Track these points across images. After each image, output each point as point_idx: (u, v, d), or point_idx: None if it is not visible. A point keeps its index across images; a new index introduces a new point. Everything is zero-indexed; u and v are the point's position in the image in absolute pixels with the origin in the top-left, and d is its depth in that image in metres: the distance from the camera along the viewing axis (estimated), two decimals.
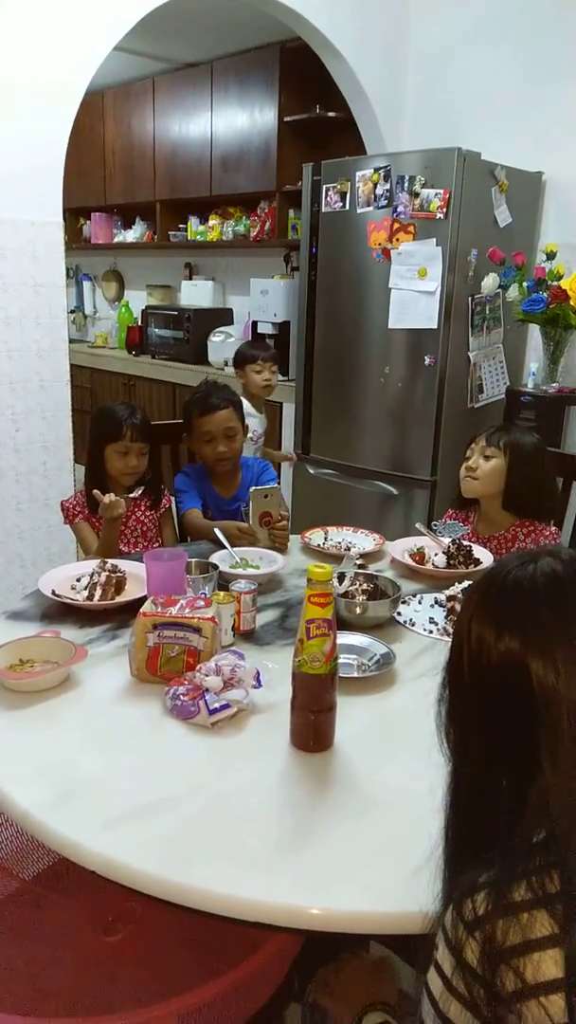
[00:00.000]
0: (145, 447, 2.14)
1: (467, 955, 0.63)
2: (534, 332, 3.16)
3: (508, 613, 0.70)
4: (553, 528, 2.04)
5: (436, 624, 1.59)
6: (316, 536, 2.08)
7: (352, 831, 1.01)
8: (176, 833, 0.99)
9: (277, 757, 1.16)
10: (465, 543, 1.88)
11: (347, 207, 3.14)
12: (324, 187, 3.20)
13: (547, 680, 0.65)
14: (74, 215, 5.69)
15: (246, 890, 0.90)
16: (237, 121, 4.28)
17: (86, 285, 5.98)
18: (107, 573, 1.61)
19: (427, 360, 3.00)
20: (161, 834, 0.99)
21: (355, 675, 1.38)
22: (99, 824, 1.00)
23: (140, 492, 2.17)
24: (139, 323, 5.13)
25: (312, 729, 1.16)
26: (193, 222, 4.85)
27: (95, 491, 1.99)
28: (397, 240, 2.99)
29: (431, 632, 1.56)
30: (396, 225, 2.98)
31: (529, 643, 0.67)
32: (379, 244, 3.06)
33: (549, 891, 0.62)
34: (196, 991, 0.93)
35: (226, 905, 0.89)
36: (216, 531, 1.94)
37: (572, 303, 2.73)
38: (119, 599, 1.60)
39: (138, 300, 5.45)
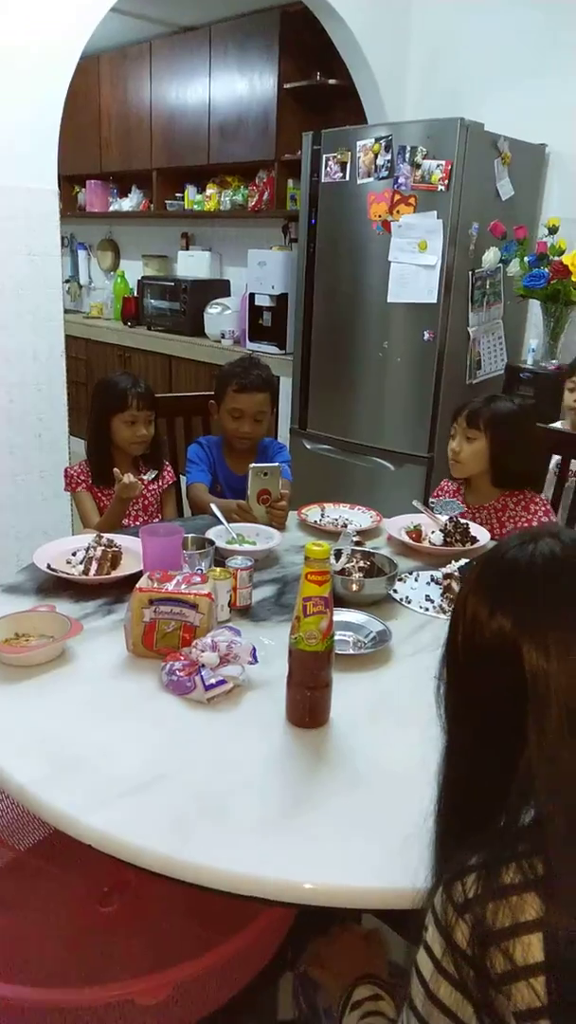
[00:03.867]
0: (151, 415, 2.15)
1: (457, 937, 0.64)
2: (534, 308, 3.14)
3: (503, 592, 0.70)
4: (541, 497, 2.04)
5: (432, 602, 1.59)
6: (313, 512, 2.08)
7: (346, 807, 1.02)
8: (171, 808, 0.99)
9: (272, 733, 1.16)
10: (462, 521, 1.87)
11: (347, 177, 3.09)
12: (324, 157, 3.15)
13: (537, 661, 0.65)
14: (69, 182, 5.59)
15: (240, 865, 0.91)
16: (236, 87, 4.20)
17: (81, 255, 5.90)
18: (103, 548, 1.61)
19: (426, 335, 2.97)
20: (156, 809, 0.99)
21: (351, 652, 1.39)
22: (94, 798, 1.00)
23: (153, 476, 2.17)
24: (135, 294, 5.07)
25: (308, 705, 1.17)
26: (190, 191, 4.78)
27: (115, 470, 1.99)
28: (397, 212, 2.95)
29: (427, 610, 1.56)
30: (397, 197, 2.94)
31: (521, 623, 0.67)
32: (379, 216, 3.02)
33: (539, 874, 0.63)
34: (191, 962, 0.94)
35: (220, 880, 0.90)
36: (213, 507, 1.93)
37: (573, 279, 2.70)
38: (115, 574, 1.59)
39: (134, 270, 5.39)
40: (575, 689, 0.64)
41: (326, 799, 1.03)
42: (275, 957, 1.10)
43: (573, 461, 2.22)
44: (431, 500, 2.08)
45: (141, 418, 2.12)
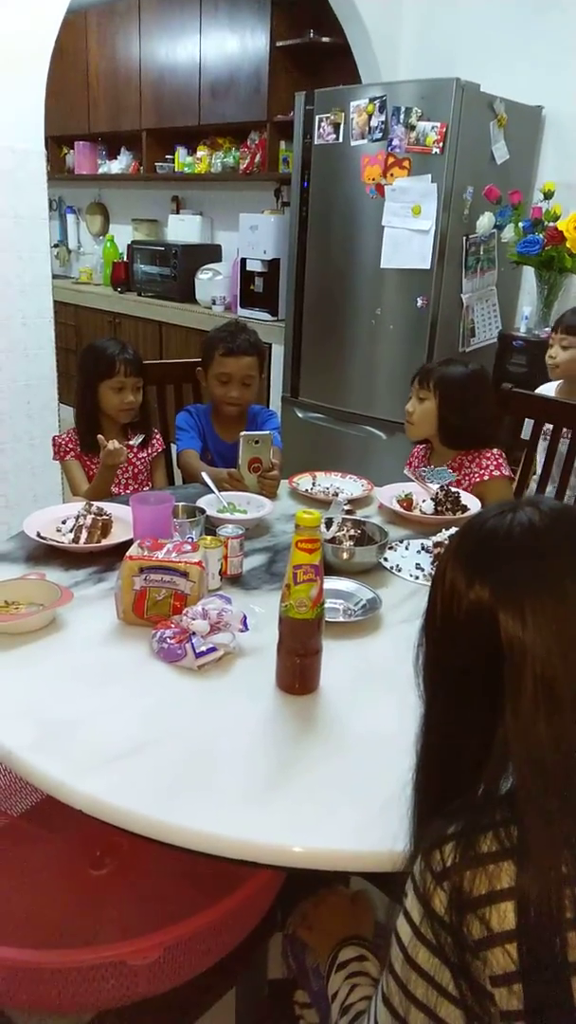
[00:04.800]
0: (139, 382, 2.13)
1: (435, 904, 0.65)
2: (528, 275, 3.11)
3: (481, 562, 0.70)
4: (495, 451, 2.05)
5: (422, 570, 1.59)
6: (304, 481, 2.07)
7: (335, 772, 1.03)
8: (162, 773, 1.00)
9: (263, 699, 1.17)
10: (453, 490, 1.87)
11: (340, 139, 3.04)
12: (317, 118, 3.09)
13: (514, 631, 0.65)
14: (56, 143, 5.48)
15: (230, 829, 0.92)
16: (227, 45, 4.09)
17: (70, 218, 5.80)
18: (93, 516, 1.60)
19: (419, 302, 2.94)
20: (147, 774, 1.00)
21: (341, 620, 1.39)
22: (85, 764, 1.01)
23: (140, 440, 2.15)
24: (124, 259, 4.99)
25: (298, 672, 1.17)
26: (180, 153, 4.69)
27: (99, 436, 1.97)
28: (391, 175, 2.90)
29: (417, 578, 1.57)
30: (391, 159, 2.89)
31: (499, 593, 0.67)
32: (373, 179, 2.97)
33: (515, 842, 0.64)
34: (181, 924, 0.95)
35: (211, 844, 0.91)
36: (204, 475, 1.92)
37: (568, 245, 2.67)
38: (105, 542, 1.59)
39: (123, 234, 5.30)
40: (551, 659, 0.64)
41: (315, 764, 1.04)
42: (264, 919, 1.12)
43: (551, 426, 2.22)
44: (422, 469, 2.08)
45: (129, 385, 2.09)
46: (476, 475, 2.01)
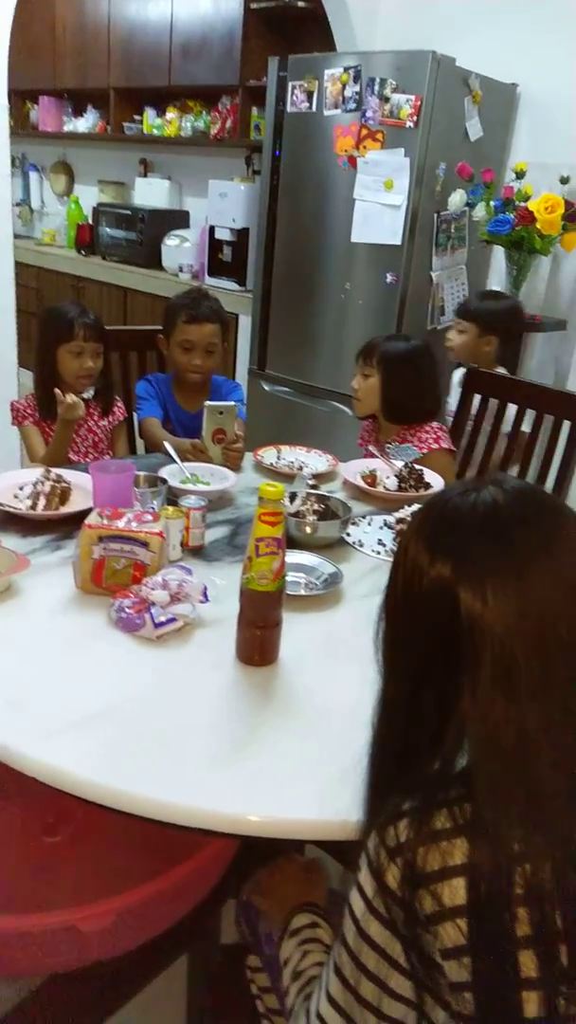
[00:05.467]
0: (100, 347, 2.07)
1: (388, 879, 0.66)
2: (498, 255, 3.11)
3: (443, 539, 0.70)
4: (435, 424, 2.09)
5: (384, 546, 1.60)
6: (269, 454, 2.06)
7: (293, 741, 1.03)
8: (119, 742, 1.00)
9: (221, 670, 1.17)
10: (417, 467, 1.88)
11: (313, 108, 2.99)
12: (290, 85, 3.03)
13: (474, 609, 0.65)
14: (20, 98, 5.30)
15: (186, 798, 0.92)
16: (200, 4, 3.99)
17: (33, 176, 5.63)
18: (51, 483, 1.57)
19: (389, 278, 2.93)
20: (104, 743, 0.99)
21: (303, 593, 1.39)
22: (41, 732, 1.00)
23: (92, 393, 2.09)
24: (89, 221, 4.87)
25: (258, 644, 1.17)
26: (149, 114, 4.57)
27: (56, 390, 1.92)
28: (364, 148, 2.87)
29: (379, 553, 1.57)
30: (364, 131, 2.86)
31: (460, 571, 0.67)
32: (345, 151, 2.93)
33: (468, 819, 0.65)
34: (134, 890, 0.95)
35: (166, 812, 0.91)
36: (166, 445, 1.90)
37: (538, 226, 2.68)
38: (64, 510, 1.56)
39: (89, 196, 5.17)
40: (510, 638, 0.64)
41: (272, 735, 1.04)
42: (219, 885, 1.13)
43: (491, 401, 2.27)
44: (388, 446, 2.08)
45: (88, 349, 2.03)
46: (415, 448, 2.05)
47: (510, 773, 0.64)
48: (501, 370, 2.56)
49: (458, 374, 2.59)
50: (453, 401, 2.47)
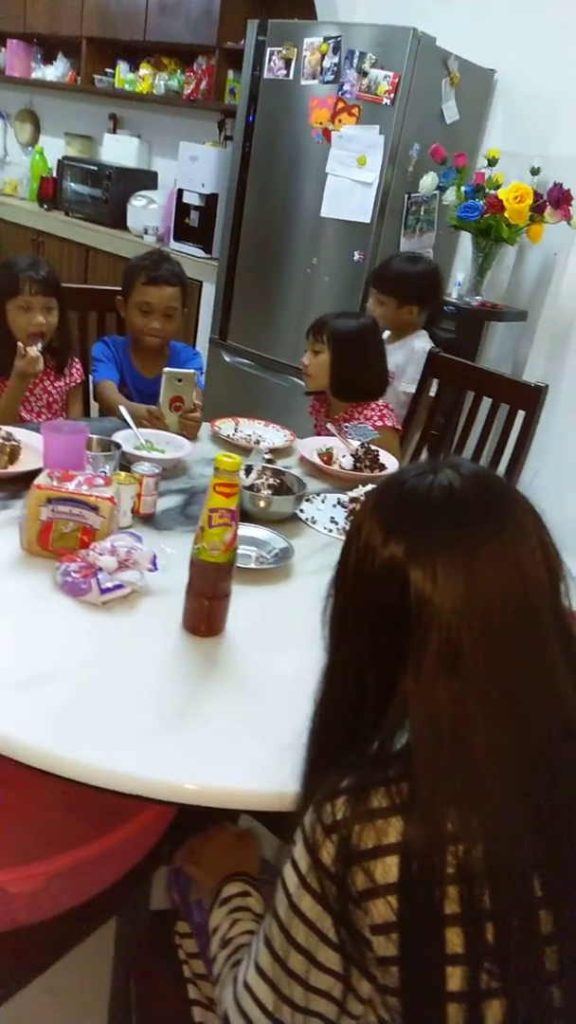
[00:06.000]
0: (51, 302, 1.98)
1: (323, 855, 0.66)
2: (465, 241, 3.12)
3: (397, 520, 0.70)
4: (381, 403, 2.12)
5: (336, 524, 1.60)
6: (226, 426, 2.04)
7: (234, 712, 1.04)
8: (59, 706, 0.99)
9: (167, 639, 1.16)
10: (373, 448, 1.89)
11: (291, 76, 2.94)
12: (268, 50, 2.97)
13: (424, 590, 0.66)
14: None
15: (124, 763, 0.91)
16: None
17: None
18: (1, 440, 1.53)
19: (356, 256, 2.92)
20: (43, 707, 0.98)
21: (253, 566, 1.39)
22: None
23: (40, 347, 2.01)
24: (54, 174, 4.72)
25: (205, 614, 1.17)
26: (122, 68, 4.43)
27: (19, 343, 1.86)
28: (339, 121, 2.84)
29: (331, 531, 1.58)
30: (340, 105, 2.82)
31: (412, 552, 0.67)
32: (320, 123, 2.90)
33: (405, 799, 0.65)
34: (66, 854, 0.94)
35: (104, 778, 0.91)
36: (122, 409, 1.87)
37: (507, 215, 2.69)
38: (12, 469, 1.53)
39: (55, 148, 5.01)
40: (457, 621, 0.65)
41: (214, 705, 1.05)
42: (152, 852, 1.13)
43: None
44: (345, 425, 2.09)
45: (36, 304, 1.95)
46: (358, 423, 2.06)
47: (448, 754, 0.65)
48: (423, 335, 2.52)
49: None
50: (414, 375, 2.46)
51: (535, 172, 2.79)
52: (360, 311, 2.59)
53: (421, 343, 2.48)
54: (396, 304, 2.43)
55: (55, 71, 4.85)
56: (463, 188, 2.80)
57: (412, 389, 2.44)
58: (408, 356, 2.49)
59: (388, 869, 0.64)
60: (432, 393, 2.41)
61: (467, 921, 0.63)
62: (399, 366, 2.47)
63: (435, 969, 0.64)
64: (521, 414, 2.19)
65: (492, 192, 2.74)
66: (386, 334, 2.39)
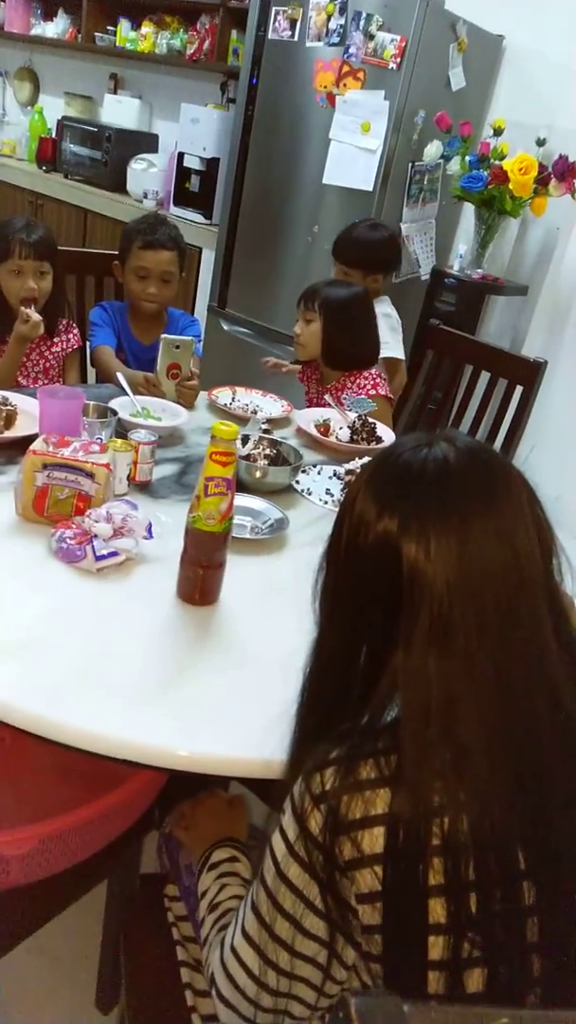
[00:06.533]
0: (44, 266, 1.95)
1: (311, 824, 0.67)
2: (468, 213, 3.08)
3: (391, 494, 0.69)
4: (373, 371, 2.10)
5: (332, 496, 1.60)
6: (224, 395, 2.03)
7: (226, 681, 1.04)
8: (51, 671, 0.99)
9: (160, 607, 1.16)
10: (370, 420, 1.88)
11: (296, 37, 2.88)
12: (273, 9, 2.90)
13: (416, 563, 0.65)
14: None
15: (117, 729, 0.92)
16: None
17: None
18: None
19: None
20: (35, 671, 0.98)
21: (248, 536, 1.39)
22: None
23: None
24: (53, 135, 4.63)
25: (199, 583, 1.17)
26: (124, 26, 4.32)
27: (22, 308, 1.84)
28: (344, 86, 2.78)
29: (326, 503, 1.58)
30: (345, 68, 2.77)
31: (406, 526, 0.67)
32: (324, 87, 2.84)
33: (394, 771, 0.66)
34: (58, 817, 0.96)
35: (96, 743, 0.91)
36: (119, 376, 1.85)
37: (511, 187, 2.65)
38: (8, 434, 1.52)
39: (54, 108, 4.90)
40: (449, 596, 0.65)
41: (207, 672, 1.05)
42: (143, 816, 1.15)
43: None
44: (343, 396, 2.07)
45: (28, 268, 1.91)
46: (353, 393, 2.06)
47: (436, 728, 0.65)
48: (386, 301, 2.47)
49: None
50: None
51: (541, 143, 2.75)
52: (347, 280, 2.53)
53: (387, 309, 2.44)
54: (362, 275, 2.37)
55: (55, 28, 4.74)
56: (467, 158, 2.76)
57: (396, 354, 2.41)
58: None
59: (375, 839, 0.65)
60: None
61: (450, 892, 0.64)
62: None
63: (418, 938, 0.65)
64: (519, 389, 2.18)
65: (497, 163, 2.70)
66: None
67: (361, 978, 0.71)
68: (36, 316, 1.84)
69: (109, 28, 4.41)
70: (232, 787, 1.32)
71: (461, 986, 0.65)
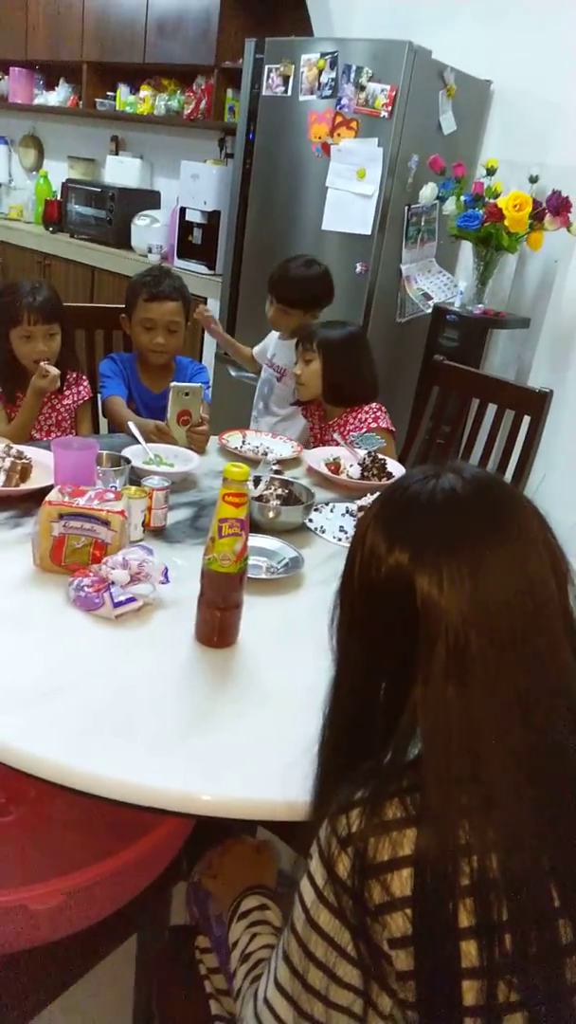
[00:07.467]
0: (53, 328, 1.99)
1: (339, 869, 0.66)
2: (466, 250, 3.13)
3: (402, 527, 0.69)
4: (374, 404, 2.14)
5: (345, 532, 1.61)
6: (234, 439, 2.05)
7: (247, 723, 1.04)
8: (73, 720, 0.99)
9: (180, 651, 1.16)
10: (380, 456, 1.89)
11: (289, 93, 2.97)
12: (266, 68, 3.00)
13: (430, 597, 0.65)
14: None
15: (140, 776, 0.91)
16: None
17: (1, 149, 5.49)
18: (12, 459, 1.54)
19: (358, 268, 2.93)
20: (57, 720, 0.98)
21: (263, 576, 1.39)
22: None
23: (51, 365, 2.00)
24: (58, 197, 4.78)
25: (217, 625, 1.17)
26: (123, 91, 4.49)
27: (42, 363, 1.91)
28: (338, 135, 2.86)
29: (340, 540, 1.58)
30: (339, 119, 2.85)
31: (418, 559, 0.66)
32: (319, 138, 2.92)
33: (420, 810, 0.64)
34: (84, 870, 0.95)
35: (120, 791, 0.91)
36: (131, 425, 1.88)
37: (506, 223, 2.70)
38: (24, 486, 1.54)
39: (58, 172, 5.07)
40: (465, 627, 0.64)
41: (228, 715, 1.04)
42: (170, 867, 1.13)
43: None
44: (351, 435, 2.09)
45: (38, 333, 1.96)
46: (355, 427, 2.09)
47: (459, 763, 0.64)
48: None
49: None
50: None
51: (533, 180, 2.80)
52: (343, 320, 2.56)
53: None
54: (302, 313, 2.41)
55: (57, 96, 4.93)
56: (463, 198, 2.82)
57: None
58: None
59: (404, 882, 0.63)
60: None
61: (483, 934, 0.62)
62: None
63: (451, 983, 0.63)
64: (527, 420, 2.19)
65: (491, 201, 2.75)
66: (277, 335, 2.48)
67: None
68: (54, 370, 1.90)
69: (109, 94, 4.58)
70: (259, 832, 1.31)
71: None
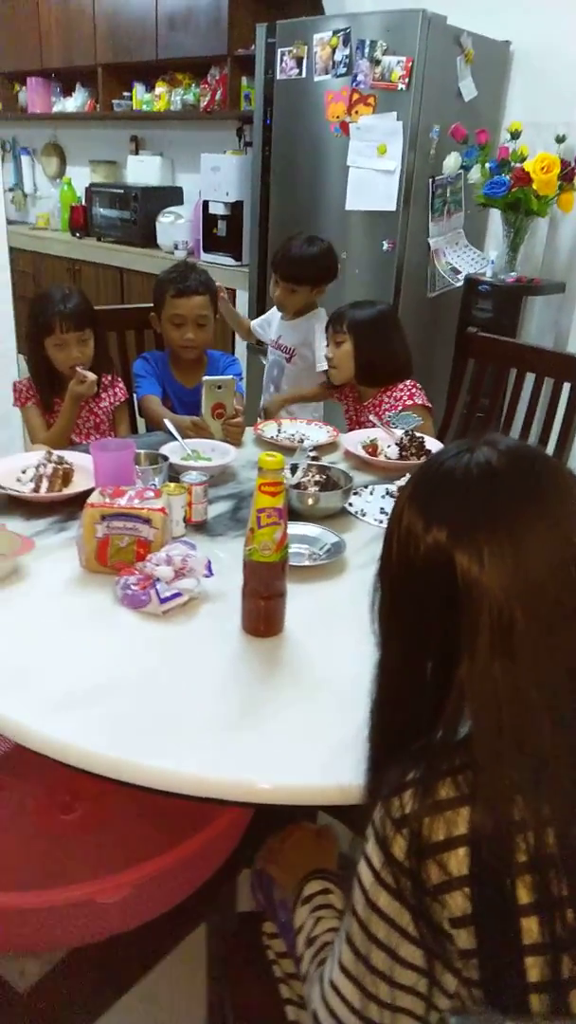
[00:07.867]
0: (85, 334, 2.02)
1: (395, 850, 0.66)
2: (495, 218, 3.07)
3: (438, 504, 0.68)
4: (408, 382, 2.12)
5: (386, 514, 1.59)
6: (269, 428, 2.05)
7: (300, 710, 1.04)
8: (127, 715, 1.00)
9: (228, 642, 1.17)
10: (418, 435, 1.87)
11: (303, 74, 2.94)
12: (279, 51, 2.98)
13: (471, 573, 0.64)
14: (7, 80, 5.24)
15: (198, 767, 0.92)
16: None
17: (24, 160, 5.57)
18: (53, 465, 1.57)
19: (385, 246, 2.90)
20: (112, 716, 1.00)
21: (306, 563, 1.39)
22: (49, 707, 1.00)
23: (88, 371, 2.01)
24: (83, 202, 4.83)
25: (263, 615, 1.17)
26: (138, 89, 4.50)
27: (78, 368, 1.94)
28: (356, 113, 2.83)
29: (381, 522, 1.57)
30: (355, 96, 2.81)
31: (456, 536, 0.65)
32: (337, 117, 2.89)
33: (472, 788, 0.64)
34: (150, 862, 0.96)
35: (177, 782, 0.92)
36: (167, 422, 1.89)
37: (535, 187, 2.63)
38: (66, 491, 1.56)
39: (81, 177, 5.12)
40: (507, 601, 0.63)
41: (280, 703, 1.05)
42: (233, 855, 1.14)
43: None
44: (388, 415, 2.07)
45: (71, 340, 1.98)
46: (390, 406, 2.07)
47: (510, 739, 0.63)
48: (322, 311, 2.44)
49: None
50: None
51: (560, 140, 2.73)
52: (372, 300, 2.53)
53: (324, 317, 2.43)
54: (309, 290, 2.40)
55: (75, 102, 4.97)
56: (487, 164, 2.76)
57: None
58: (311, 332, 2.45)
59: (461, 861, 0.63)
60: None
61: (543, 909, 0.62)
62: (305, 343, 2.46)
63: (514, 960, 0.63)
64: (567, 387, 2.14)
65: (518, 165, 2.68)
66: (278, 313, 2.45)
67: (466, 1005, 0.69)
68: (91, 376, 1.93)
69: (125, 94, 4.60)
70: (319, 817, 1.31)
71: (566, 1007, 0.62)
